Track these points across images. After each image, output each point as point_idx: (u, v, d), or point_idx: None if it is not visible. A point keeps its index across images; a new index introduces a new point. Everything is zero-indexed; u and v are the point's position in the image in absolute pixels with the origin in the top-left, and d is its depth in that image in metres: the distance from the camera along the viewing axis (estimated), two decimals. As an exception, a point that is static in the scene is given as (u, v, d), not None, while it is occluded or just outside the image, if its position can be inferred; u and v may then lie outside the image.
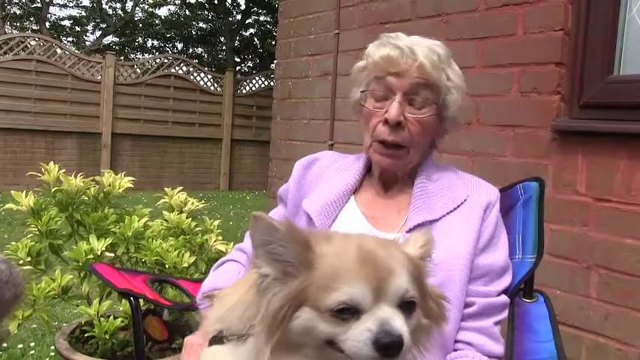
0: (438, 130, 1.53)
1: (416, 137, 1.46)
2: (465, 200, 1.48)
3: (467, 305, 1.39)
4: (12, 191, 2.46)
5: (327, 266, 0.93)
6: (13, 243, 2.37)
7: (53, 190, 2.47)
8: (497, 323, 1.42)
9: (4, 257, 1.07)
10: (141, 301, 1.60)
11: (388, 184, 1.56)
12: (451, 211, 1.46)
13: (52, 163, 2.52)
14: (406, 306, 0.93)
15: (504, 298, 1.45)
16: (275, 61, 4.52)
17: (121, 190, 2.62)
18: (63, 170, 2.55)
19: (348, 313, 0.89)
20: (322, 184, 1.57)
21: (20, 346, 3.33)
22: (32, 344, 3.39)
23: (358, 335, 0.88)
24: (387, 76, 1.45)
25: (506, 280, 1.46)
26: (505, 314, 1.45)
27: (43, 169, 2.51)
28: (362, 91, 1.55)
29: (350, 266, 0.92)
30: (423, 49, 1.44)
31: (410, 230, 1.42)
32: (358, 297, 0.89)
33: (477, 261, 1.42)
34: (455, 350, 1.38)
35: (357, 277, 0.91)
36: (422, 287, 1.00)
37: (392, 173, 1.54)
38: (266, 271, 0.95)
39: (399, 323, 0.89)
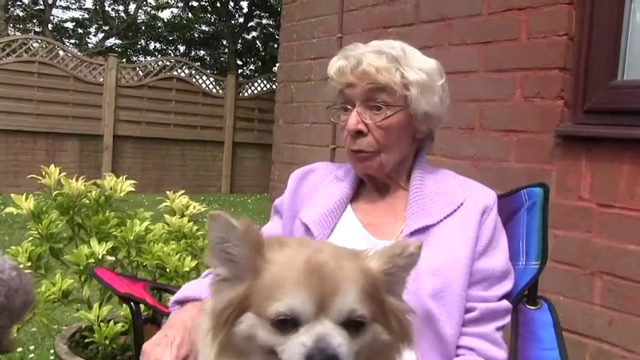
0: (409, 129, 1.50)
1: (382, 141, 1.46)
2: (462, 204, 1.46)
3: (467, 310, 1.38)
4: (12, 194, 2.46)
5: (273, 274, 0.91)
6: (13, 247, 2.36)
7: (54, 193, 2.46)
8: (499, 329, 1.41)
9: (14, 264, 1.06)
10: (141, 307, 1.59)
11: (382, 191, 1.55)
12: (448, 215, 1.44)
13: (52, 166, 2.51)
14: (353, 324, 0.89)
15: (506, 303, 1.43)
16: (277, 65, 4.51)
17: (122, 194, 2.61)
18: (64, 173, 2.54)
19: (289, 324, 0.87)
20: (318, 195, 1.56)
21: (20, 349, 3.32)
22: (32, 347, 3.37)
23: (293, 349, 0.86)
24: (345, 89, 1.47)
25: (506, 285, 1.45)
26: (507, 320, 1.44)
27: (43, 173, 2.50)
28: (328, 107, 1.57)
29: (294, 277, 0.90)
30: (369, 54, 1.44)
31: (407, 236, 1.41)
32: (299, 309, 0.87)
33: (476, 265, 1.40)
34: (457, 356, 1.36)
35: (300, 289, 0.88)
36: (380, 304, 0.95)
37: (378, 179, 1.54)
38: (219, 271, 0.95)
39: (337, 341, 0.85)
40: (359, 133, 1.45)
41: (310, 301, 0.87)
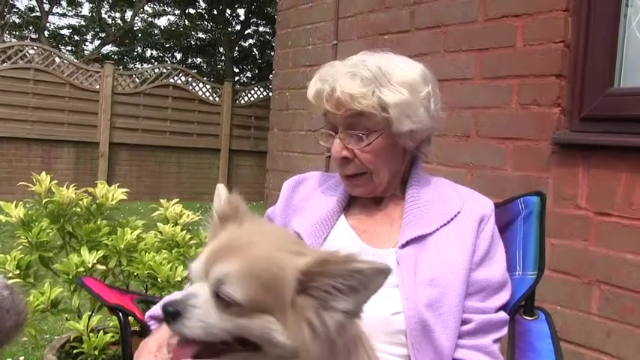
0: (396, 147, 1.45)
1: (369, 165, 1.42)
2: (459, 213, 1.44)
3: (464, 322, 1.35)
4: (1, 202, 2.42)
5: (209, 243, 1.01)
6: (1, 255, 2.33)
7: (44, 201, 2.42)
8: (496, 341, 1.38)
9: (7, 282, 1.02)
10: (130, 319, 1.56)
11: (378, 199, 1.52)
12: (445, 224, 1.42)
13: (43, 173, 2.48)
14: (224, 300, 0.90)
15: (503, 314, 1.40)
16: (273, 72, 4.50)
17: (114, 202, 2.58)
18: (55, 182, 2.51)
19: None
20: (311, 204, 1.54)
21: None
22: (21, 358, 3.32)
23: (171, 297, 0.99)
24: (327, 113, 1.43)
25: (504, 296, 1.42)
26: (504, 332, 1.41)
27: (34, 180, 2.47)
28: (313, 132, 1.52)
29: (211, 244, 0.99)
30: (343, 81, 1.37)
31: (403, 246, 1.39)
32: (192, 271, 0.96)
33: (474, 276, 1.37)
34: None
35: (202, 254, 0.97)
36: (279, 300, 0.90)
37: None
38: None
39: (193, 301, 0.91)
40: (345, 160, 1.43)
41: (200, 265, 0.95)
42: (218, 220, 1.04)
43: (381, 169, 1.44)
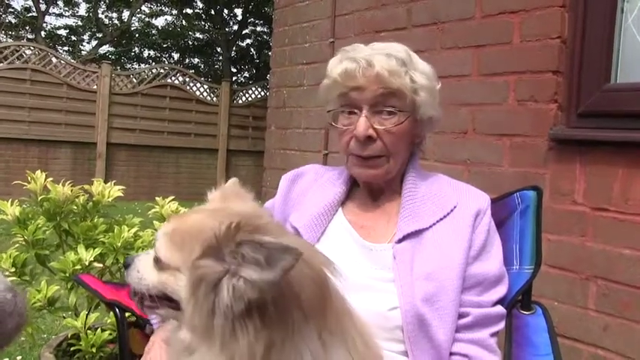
0: (414, 133, 1.49)
1: (391, 147, 1.42)
2: (455, 207, 1.44)
3: (461, 316, 1.35)
4: (-1, 201, 2.42)
5: None
6: (-3, 253, 2.32)
7: (40, 198, 2.42)
8: (493, 334, 1.38)
9: (10, 284, 1.01)
10: (126, 313, 1.55)
11: (375, 194, 1.52)
12: (441, 219, 1.42)
13: (39, 171, 2.47)
14: (156, 258, 1.03)
15: (500, 308, 1.40)
16: (270, 71, 4.49)
17: (110, 200, 2.57)
18: (50, 179, 2.50)
19: None
20: (309, 198, 1.54)
21: (6, 359, 3.27)
22: (19, 358, 3.32)
23: None
24: (350, 92, 1.42)
25: (501, 290, 1.42)
26: (501, 326, 1.41)
27: (29, 178, 2.46)
28: (328, 111, 1.52)
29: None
30: (380, 57, 1.39)
31: (400, 240, 1.39)
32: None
33: (470, 270, 1.38)
34: None
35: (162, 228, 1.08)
36: (188, 257, 0.95)
37: (375, 183, 1.51)
38: None
39: (135, 258, 1.10)
40: (369, 139, 1.41)
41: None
42: (219, 197, 1.15)
43: (399, 153, 1.45)
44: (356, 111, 1.42)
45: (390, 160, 1.44)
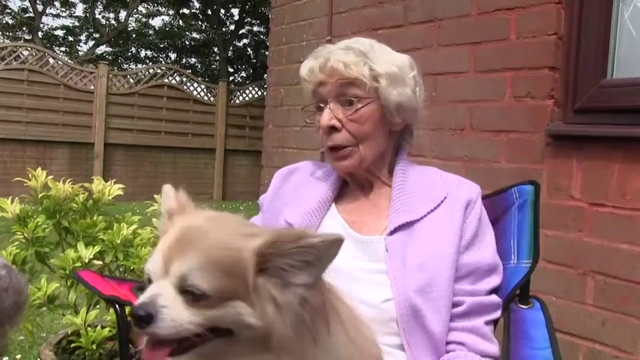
0: (383, 121, 1.49)
1: (357, 134, 1.45)
2: (445, 198, 1.46)
3: (455, 305, 1.37)
4: (-2, 200, 2.42)
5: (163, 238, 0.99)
6: (-3, 251, 2.32)
7: (40, 196, 2.42)
8: (488, 322, 1.39)
9: (5, 262, 1.01)
10: (127, 309, 1.55)
11: (366, 188, 1.54)
12: (431, 211, 1.43)
13: (39, 169, 2.47)
14: (190, 293, 0.89)
15: (494, 297, 1.42)
16: (267, 70, 4.50)
17: (110, 198, 2.58)
18: (51, 177, 2.51)
19: (149, 283, 0.94)
20: (302, 194, 1.56)
21: (6, 358, 3.26)
22: (18, 357, 3.32)
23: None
24: (317, 88, 1.49)
25: (494, 280, 1.43)
26: (496, 314, 1.42)
27: (30, 175, 2.47)
28: (302, 109, 1.57)
29: (163, 240, 0.96)
30: (338, 52, 1.46)
31: (391, 233, 1.41)
32: (150, 269, 0.94)
33: (462, 259, 1.39)
34: (447, 352, 1.34)
35: (157, 252, 0.94)
36: (243, 284, 0.91)
37: (360, 176, 1.53)
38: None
39: (161, 300, 0.88)
40: (333, 129, 1.46)
41: (158, 264, 0.92)
42: (167, 218, 1.03)
43: (367, 139, 1.47)
44: (323, 105, 1.48)
45: (360, 148, 1.46)
